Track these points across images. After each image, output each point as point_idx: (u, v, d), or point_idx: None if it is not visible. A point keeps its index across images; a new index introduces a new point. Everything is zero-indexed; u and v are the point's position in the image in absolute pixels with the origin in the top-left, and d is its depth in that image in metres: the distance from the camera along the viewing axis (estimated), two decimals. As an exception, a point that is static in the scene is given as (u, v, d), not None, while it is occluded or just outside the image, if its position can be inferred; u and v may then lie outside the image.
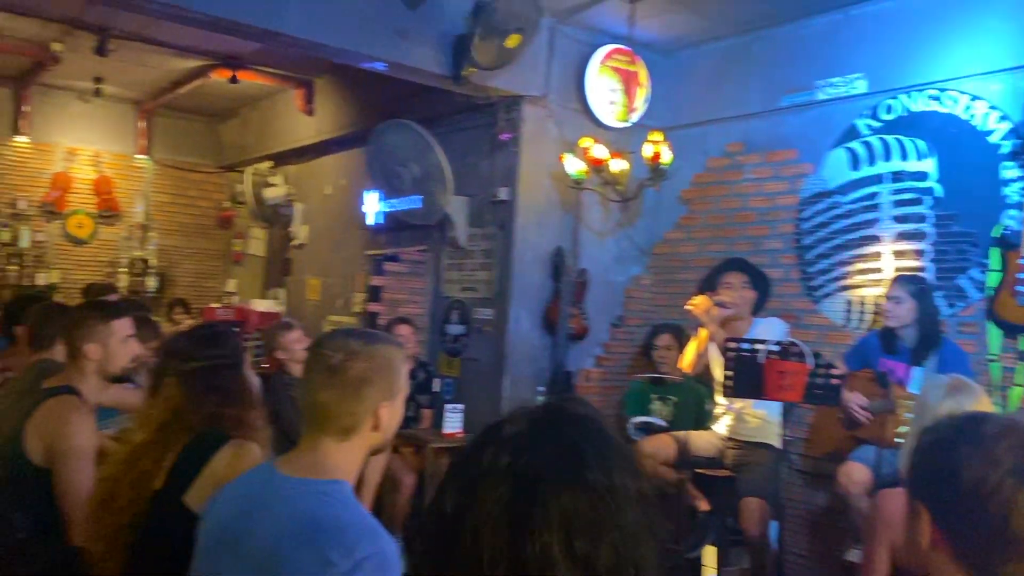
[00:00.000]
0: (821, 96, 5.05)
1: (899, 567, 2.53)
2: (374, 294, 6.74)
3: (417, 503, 5.25)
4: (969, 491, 1.16)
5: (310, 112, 7.56)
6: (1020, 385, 4.07)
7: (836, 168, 4.96)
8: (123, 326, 2.81)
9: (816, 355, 3.66)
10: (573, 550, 0.79)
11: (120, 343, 2.79)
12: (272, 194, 8.16)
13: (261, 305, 7.81)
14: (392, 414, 1.68)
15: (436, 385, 5.72)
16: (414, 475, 5.15)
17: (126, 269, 8.77)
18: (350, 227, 7.10)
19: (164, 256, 9.09)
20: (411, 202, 6.02)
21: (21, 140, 8.29)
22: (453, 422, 5.21)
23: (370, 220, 6.63)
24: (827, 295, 4.95)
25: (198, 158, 9.39)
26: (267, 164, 8.45)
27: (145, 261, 8.88)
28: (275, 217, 8.30)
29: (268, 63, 7.21)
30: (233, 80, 7.17)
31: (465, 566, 0.81)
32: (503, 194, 5.51)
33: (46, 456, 2.54)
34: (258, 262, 8.86)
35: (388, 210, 6.38)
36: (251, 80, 7.39)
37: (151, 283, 8.84)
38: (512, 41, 4.88)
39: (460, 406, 5.24)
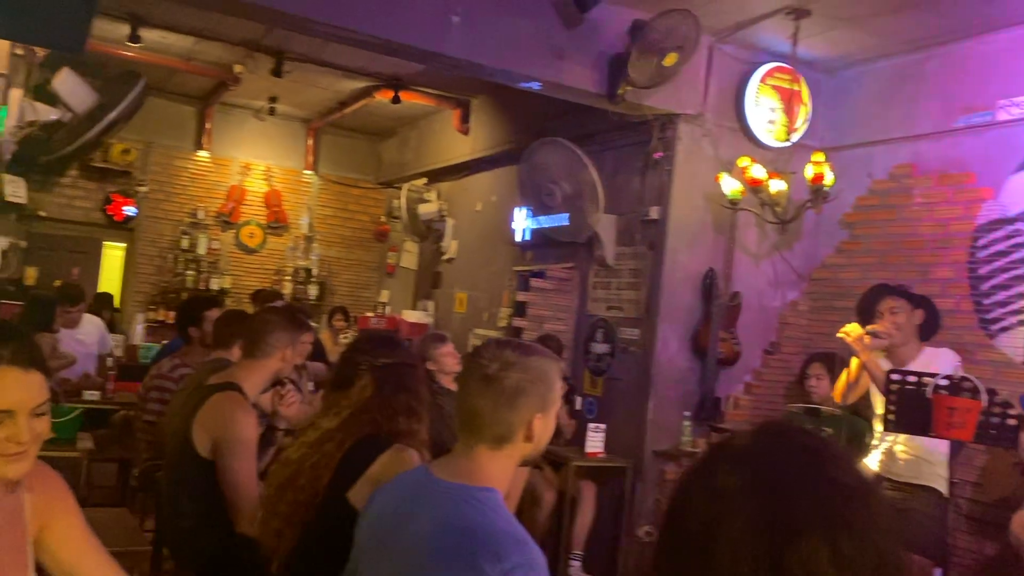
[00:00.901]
0: (1003, 116, 4.70)
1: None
2: (519, 309, 6.83)
3: (556, 521, 5.26)
4: None
5: (465, 131, 7.79)
6: None
7: (1019, 193, 4.59)
8: (306, 337, 3.10)
9: (991, 392, 3.40)
10: (840, 552, 0.78)
11: (298, 351, 3.06)
12: (425, 210, 8.45)
13: (411, 316, 8.08)
14: (545, 425, 1.70)
15: (578, 403, 5.72)
16: (554, 492, 5.15)
17: (290, 277, 9.34)
18: (498, 243, 7.24)
19: (325, 266, 9.61)
20: (559, 219, 6.07)
21: (203, 155, 9.02)
22: (595, 441, 5.19)
23: (518, 236, 6.74)
24: (1005, 329, 4.58)
25: (359, 174, 9.89)
26: (422, 181, 8.76)
27: (308, 270, 9.42)
28: (427, 232, 8.59)
29: (428, 84, 7.50)
30: (395, 100, 7.50)
31: None
32: (654, 213, 5.46)
33: (212, 448, 2.73)
34: (410, 274, 9.19)
35: (536, 227, 6.46)
36: (412, 100, 7.70)
37: (312, 291, 9.36)
38: (670, 60, 4.83)
39: (602, 426, 5.21)
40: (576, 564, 5.16)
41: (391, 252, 9.71)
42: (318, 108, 8.88)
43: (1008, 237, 4.62)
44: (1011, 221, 4.61)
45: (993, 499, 4.21)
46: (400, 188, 8.99)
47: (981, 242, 4.75)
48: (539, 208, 6.35)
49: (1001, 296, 4.61)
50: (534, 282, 6.75)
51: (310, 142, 9.51)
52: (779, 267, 5.69)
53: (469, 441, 1.68)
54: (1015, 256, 4.57)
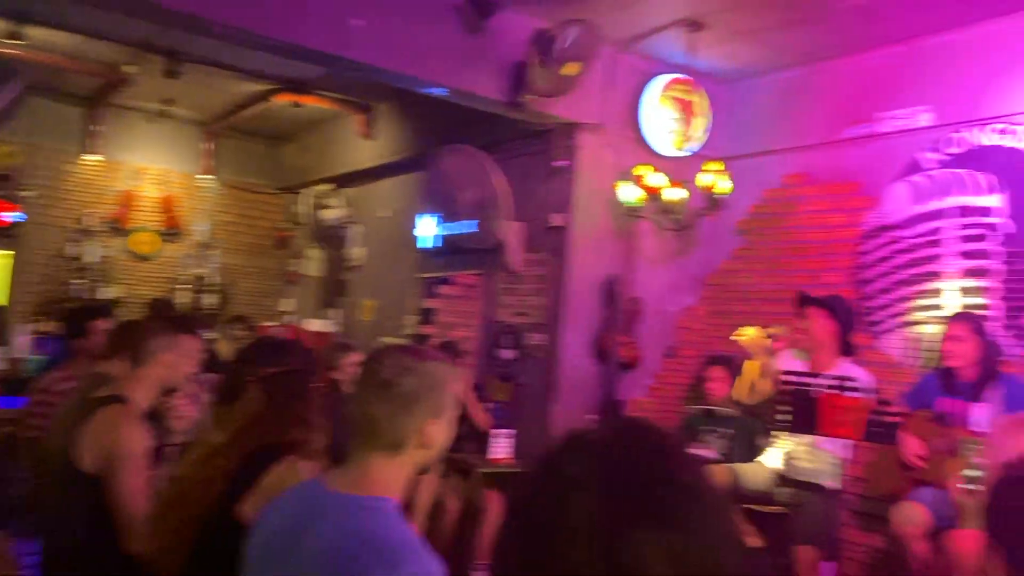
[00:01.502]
0: (883, 129, 4.96)
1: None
2: (426, 316, 6.79)
3: (461, 530, 5.23)
4: None
5: (370, 136, 7.71)
6: (1092, 430, 3.89)
7: (898, 202, 4.86)
8: (192, 343, 2.93)
9: (875, 392, 3.56)
10: (671, 548, 0.79)
11: (185, 358, 2.90)
12: (330, 216, 8.30)
13: (315, 325, 7.92)
14: (440, 432, 1.69)
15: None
16: (458, 501, 5.12)
17: (188, 286, 8.99)
18: (405, 250, 7.18)
19: (224, 274, 9.30)
20: (466, 226, 6.08)
21: (92, 158, 8.60)
22: (502, 447, 5.19)
23: (425, 243, 6.70)
24: (887, 331, 4.83)
25: (260, 179, 9.63)
26: (326, 186, 8.61)
27: (206, 278, 9.10)
28: (332, 239, 8.44)
29: (331, 88, 7.38)
30: (296, 104, 7.35)
31: (561, 571, 0.81)
32: (558, 220, 5.52)
33: (98, 464, 2.60)
34: (314, 282, 9.01)
35: (443, 234, 6.44)
36: (314, 104, 7.56)
37: (211, 300, 9.04)
38: (571, 69, 4.91)
39: (510, 431, 5.22)
40: (480, 575, 5.15)
41: (294, 259, 9.48)
42: (216, 111, 8.60)
43: (889, 243, 4.88)
44: (891, 228, 4.87)
45: (879, 494, 4.40)
46: (302, 193, 8.81)
47: (865, 248, 5.00)
48: (446, 215, 6.34)
49: (883, 300, 4.86)
50: (441, 289, 6.73)
51: (208, 146, 9.20)
52: (677, 273, 5.85)
53: (363, 449, 1.65)
54: (895, 262, 4.83)
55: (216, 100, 8.16)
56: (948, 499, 3.45)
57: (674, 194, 5.16)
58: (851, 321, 4.26)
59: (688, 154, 5.54)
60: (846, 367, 4.06)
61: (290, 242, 9.58)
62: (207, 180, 9.27)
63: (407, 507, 1.71)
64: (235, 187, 9.50)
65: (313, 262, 8.99)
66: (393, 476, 1.65)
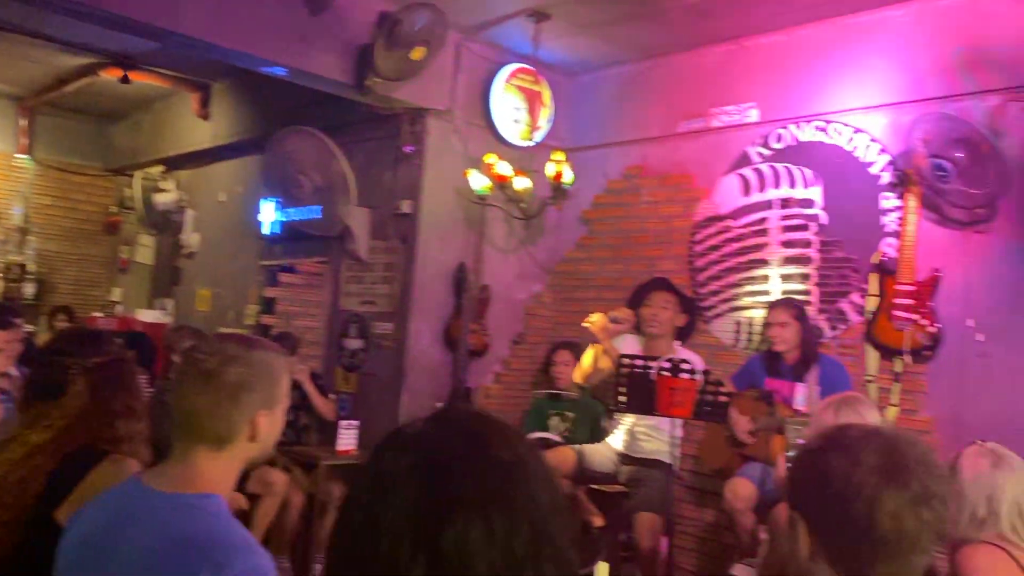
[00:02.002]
0: (716, 124, 5.22)
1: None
2: (268, 306, 6.54)
3: (306, 524, 5.11)
4: (836, 494, 1.19)
5: (206, 116, 7.32)
6: (895, 405, 4.28)
7: (728, 193, 5.13)
8: (6, 335, 2.72)
9: (706, 373, 3.75)
10: (492, 528, 0.78)
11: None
12: (163, 200, 7.84)
13: (147, 315, 7.48)
14: (271, 423, 1.61)
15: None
16: (302, 495, 4.99)
17: (1, 274, 8.24)
18: (245, 236, 6.89)
19: (44, 261, 8.59)
20: (310, 212, 5.89)
21: None
22: (347, 439, 5.09)
23: (266, 229, 6.45)
24: (718, 316, 5.10)
25: (84, 160, 8.94)
26: (158, 168, 8.12)
27: (22, 266, 8.37)
28: (165, 224, 7.98)
29: (163, 64, 6.95)
30: (124, 80, 6.86)
31: (385, 570, 0.78)
32: (406, 207, 5.46)
33: None
34: (146, 270, 8.49)
35: (285, 220, 6.22)
36: (144, 81, 7.09)
37: (28, 289, 8.33)
38: (417, 53, 4.85)
39: (355, 422, 5.13)
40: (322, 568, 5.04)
41: (124, 246, 8.90)
42: (33, 85, 7.90)
43: (719, 233, 5.14)
44: (722, 218, 5.14)
45: (710, 470, 4.65)
46: (133, 176, 8.27)
47: (698, 237, 5.25)
48: (288, 200, 6.12)
49: (714, 286, 5.12)
50: (283, 277, 6.50)
51: (23, 122, 8.44)
52: (525, 261, 5.93)
53: (187, 443, 1.55)
54: (725, 250, 5.10)
55: (36, 73, 7.49)
56: (774, 474, 3.69)
57: (521, 183, 5.22)
58: (693, 308, 4.47)
59: (534, 144, 5.62)
60: (681, 351, 4.26)
61: (120, 227, 8.98)
62: (23, 160, 8.52)
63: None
64: (56, 168, 8.79)
65: (145, 249, 8.47)
66: (220, 471, 1.57)
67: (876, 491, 1.16)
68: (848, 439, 1.24)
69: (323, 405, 5.39)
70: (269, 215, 6.40)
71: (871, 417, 2.51)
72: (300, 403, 5.38)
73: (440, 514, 0.78)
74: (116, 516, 1.53)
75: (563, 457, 4.28)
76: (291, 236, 6.27)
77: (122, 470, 2.02)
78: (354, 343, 5.74)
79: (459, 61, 5.46)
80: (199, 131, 7.45)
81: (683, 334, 4.48)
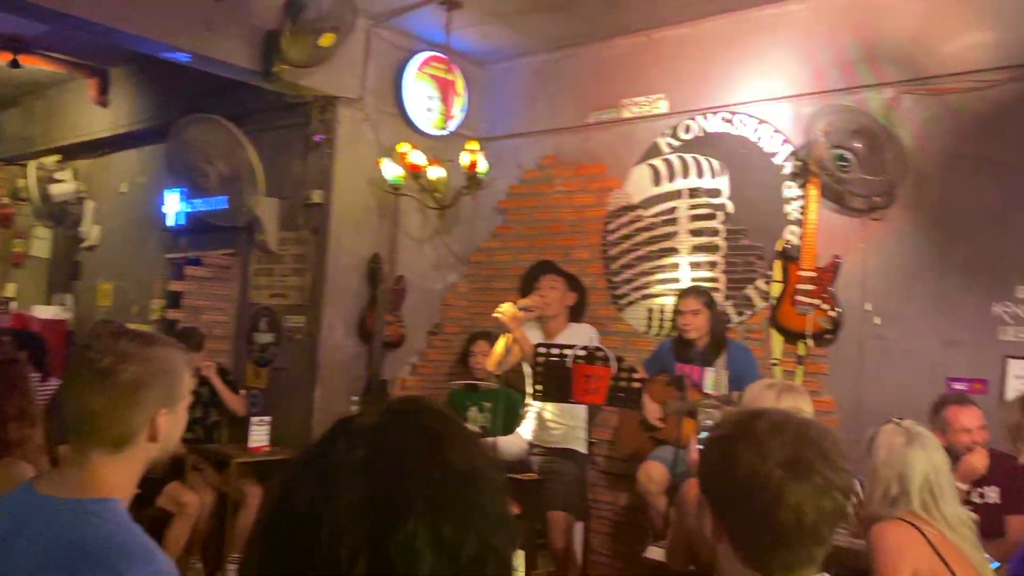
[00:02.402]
0: (626, 114, 5.29)
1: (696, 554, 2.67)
2: (174, 300, 6.32)
3: (218, 523, 4.98)
4: (741, 483, 1.22)
5: (104, 103, 7.00)
6: (798, 387, 4.43)
7: (640, 183, 5.21)
8: None
9: (619, 360, 3.81)
10: (440, 537, 0.74)
11: None
12: (59, 190, 7.47)
13: (44, 312, 7.13)
14: (173, 422, 1.55)
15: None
16: (212, 493, 4.86)
17: None
18: (148, 228, 6.64)
19: (-74, 256, 8.10)
20: (216, 202, 5.71)
21: None
22: (259, 435, 4.97)
23: (170, 221, 6.23)
24: (630, 303, 5.18)
25: (-29, 148, 8.44)
26: (54, 158, 7.73)
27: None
28: (62, 216, 7.61)
29: (57, 48, 6.61)
30: (14, 64, 6.49)
31: (322, 566, 0.74)
32: (317, 197, 5.35)
33: None
34: (42, 264, 8.09)
35: (191, 211, 6.01)
36: (36, 65, 6.72)
37: (-91, 286, 7.84)
38: (326, 40, 4.75)
39: (267, 418, 5.01)
40: (235, 567, 4.92)
41: (17, 239, 8.44)
42: (-88, 67, 7.41)
43: (631, 223, 5.23)
44: (633, 208, 5.22)
45: (624, 454, 4.74)
46: (26, 166, 7.85)
47: (611, 227, 5.32)
48: (193, 190, 5.91)
49: (627, 274, 5.21)
50: (189, 270, 6.28)
51: (-98, 108, 7.93)
52: (441, 251, 5.90)
53: (83, 447, 1.48)
54: (637, 239, 5.19)
55: (-89, 55, 7.02)
56: (685, 457, 3.78)
57: (435, 173, 5.18)
58: (580, 286, 4.53)
59: (448, 133, 5.58)
60: (577, 331, 4.31)
61: (13, 220, 8.51)
62: (-99, 148, 8.00)
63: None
64: (-61, 156, 8.27)
65: (41, 242, 8.06)
66: (119, 475, 1.50)
67: (780, 484, 1.19)
68: (757, 430, 1.26)
69: (233, 401, 5.25)
70: (173, 206, 6.18)
71: (806, 409, 2.57)
72: (210, 400, 5.23)
73: (389, 516, 0.75)
74: (7, 524, 1.45)
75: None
76: (197, 228, 6.07)
77: (14, 475, 1.93)
78: (264, 337, 5.61)
79: (369, 48, 5.38)
80: (97, 119, 7.11)
81: (575, 313, 4.53)
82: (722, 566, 1.30)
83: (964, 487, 3.28)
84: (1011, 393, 3.83)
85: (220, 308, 6.01)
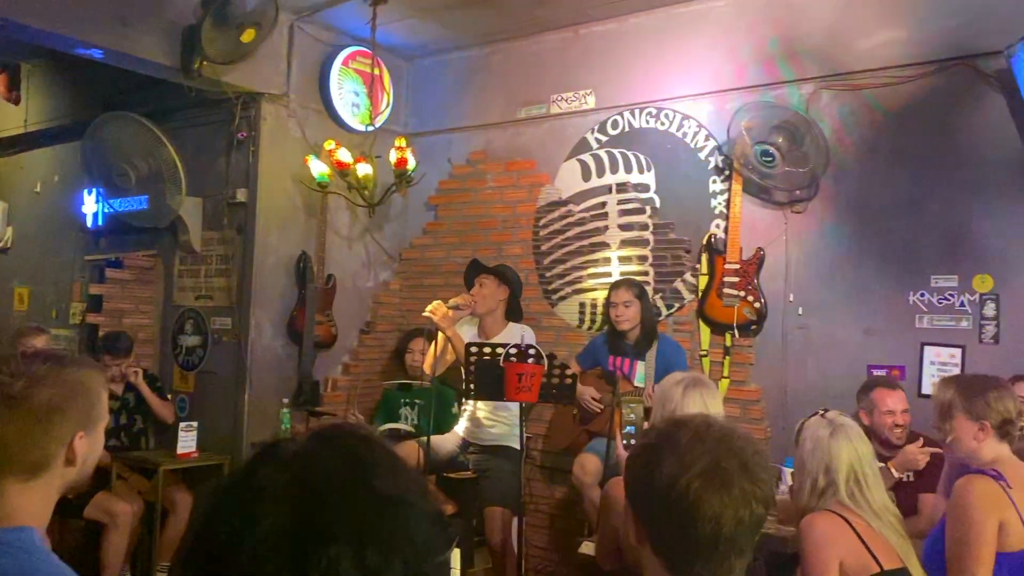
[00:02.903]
0: (555, 110, 5.31)
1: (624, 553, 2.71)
2: (95, 304, 6.11)
3: (147, 531, 4.85)
4: (662, 493, 1.24)
5: (15, 100, 6.70)
6: (727, 378, 4.54)
7: (570, 178, 5.24)
8: None
9: (551, 356, 3.83)
10: (364, 562, 0.74)
11: None
12: (-32, 191, 7.13)
13: (-45, 318, 6.80)
14: (90, 444, 1.50)
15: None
16: (140, 502, 4.73)
17: None
18: (65, 229, 6.40)
19: None
20: (137, 202, 5.53)
21: None
22: (187, 441, 4.85)
23: (89, 222, 6.02)
24: (563, 298, 5.22)
25: None
26: (-38, 156, 7.38)
27: None
28: (-28, 217, 7.27)
29: (-40, 41, 6.30)
30: (-86, 58, 6.19)
31: None
32: (241, 195, 5.23)
33: None
34: (-49, 268, 7.71)
35: (110, 211, 5.81)
36: (-61, 60, 6.41)
37: None
38: (247, 35, 4.64)
39: (194, 424, 4.90)
40: (165, 576, 4.82)
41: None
42: None
43: (562, 218, 5.26)
44: (564, 203, 5.25)
45: (559, 448, 4.78)
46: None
47: (542, 222, 5.35)
48: (112, 190, 5.70)
49: (558, 269, 5.24)
50: (110, 272, 6.07)
51: None
52: (371, 248, 5.84)
53: (-5, 475, 1.42)
54: (568, 234, 5.22)
55: None
56: (616, 449, 3.83)
57: (362, 170, 5.11)
58: (519, 287, 4.53)
59: (375, 129, 5.51)
60: (515, 331, 4.32)
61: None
62: None
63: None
64: None
65: (-51, 245, 7.68)
66: (34, 503, 1.43)
67: (698, 494, 1.21)
68: (680, 440, 1.27)
69: (161, 407, 5.12)
70: (92, 206, 5.97)
71: (713, 403, 2.63)
72: (135, 406, 5.08)
73: (312, 541, 0.74)
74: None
75: (409, 450, 4.26)
76: (117, 228, 5.87)
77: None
78: (190, 340, 5.47)
79: (293, 43, 5.27)
80: (8, 116, 6.81)
81: (512, 312, 4.52)
82: (646, 571, 1.32)
83: (898, 475, 3.42)
84: (927, 378, 4.00)
85: (143, 311, 5.83)
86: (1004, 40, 3.73)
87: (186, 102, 5.32)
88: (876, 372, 4.11)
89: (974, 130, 4.01)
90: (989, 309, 3.93)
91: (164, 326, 5.69)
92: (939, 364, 4.01)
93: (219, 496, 0.81)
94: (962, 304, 3.99)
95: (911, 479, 3.55)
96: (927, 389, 3.96)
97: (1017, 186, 3.88)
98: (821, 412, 2.43)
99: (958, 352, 3.97)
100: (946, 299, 4.02)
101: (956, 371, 3.93)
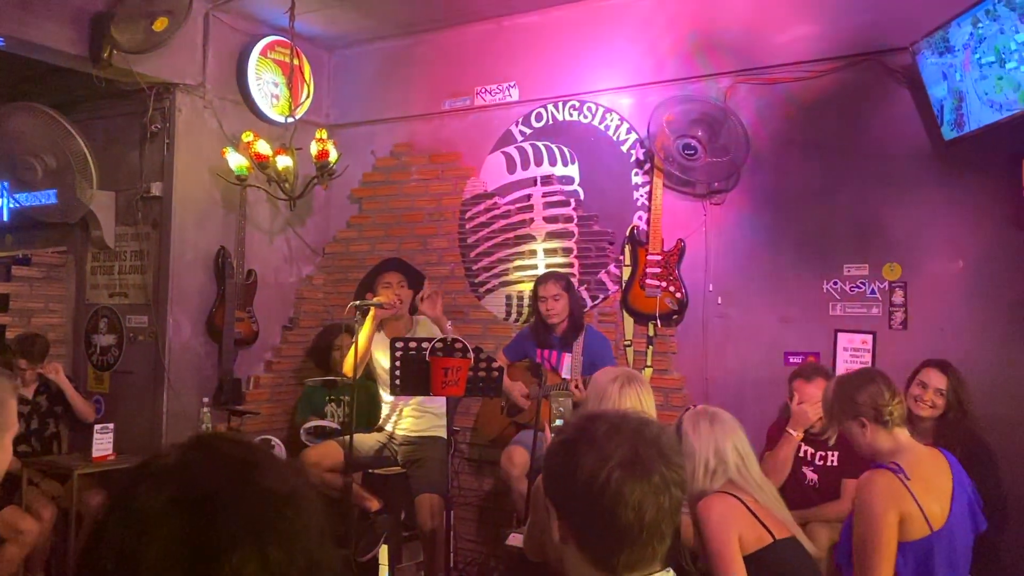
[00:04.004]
0: (479, 102, 5.30)
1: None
2: (1, 303, 5.84)
3: (61, 539, 4.67)
4: (584, 486, 1.25)
5: (-92, 89, 6.34)
6: (650, 367, 4.61)
7: (495, 171, 5.24)
8: None
9: (477, 349, 3.83)
10: (268, 561, 0.74)
11: None
12: None
13: None
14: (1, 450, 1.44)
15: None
16: (53, 508, 4.55)
17: None
18: (-33, 226, 6.09)
19: None
20: (44, 197, 5.29)
21: None
22: (103, 444, 4.68)
23: (-7, 218, 5.75)
24: (489, 291, 5.22)
25: None
26: None
27: None
28: None
29: None
30: None
31: None
32: (156, 189, 5.07)
33: None
34: None
35: (15, 206, 5.55)
36: None
37: None
38: (160, 24, 4.48)
39: (110, 426, 4.73)
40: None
41: None
42: None
43: (488, 210, 5.25)
44: (490, 196, 5.25)
45: (487, 440, 4.78)
46: None
47: (468, 215, 5.33)
48: (16, 184, 5.45)
49: (485, 262, 5.24)
50: (17, 270, 5.80)
51: None
52: (293, 242, 5.73)
53: None
54: (494, 227, 5.22)
55: None
56: (543, 442, 3.85)
57: (282, 162, 5.00)
58: (421, 282, 4.48)
59: (295, 121, 5.40)
60: (425, 324, 4.29)
61: None
62: None
63: None
64: None
65: None
66: None
67: (619, 484, 1.23)
68: (597, 433, 1.29)
69: (83, 405, 4.92)
70: (-4, 201, 5.70)
71: (648, 400, 2.69)
72: (48, 410, 4.89)
73: (213, 550, 0.73)
74: None
75: (330, 449, 4.20)
76: (24, 224, 5.62)
77: None
78: (105, 339, 5.28)
79: (209, 33, 5.12)
80: (-100, 105, 6.43)
81: (415, 307, 4.48)
82: (569, 568, 1.32)
83: (795, 432, 3.65)
84: (841, 364, 4.14)
85: (53, 310, 5.60)
86: (910, 37, 3.87)
87: (96, 92, 5.11)
88: (792, 359, 4.23)
89: (882, 123, 4.15)
90: (898, 296, 4.08)
91: (77, 325, 5.47)
92: (852, 350, 4.15)
93: (100, 526, 0.78)
94: (873, 292, 4.13)
95: (835, 464, 3.68)
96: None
97: (922, 178, 4.03)
98: (693, 405, 2.60)
99: (869, 338, 4.12)
100: (858, 287, 4.16)
101: (868, 356, 4.08)
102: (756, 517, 2.30)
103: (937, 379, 3.48)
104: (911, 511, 2.27)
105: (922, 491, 2.30)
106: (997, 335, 3.81)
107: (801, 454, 3.75)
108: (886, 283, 4.10)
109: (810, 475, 3.73)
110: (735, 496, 2.35)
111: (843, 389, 2.50)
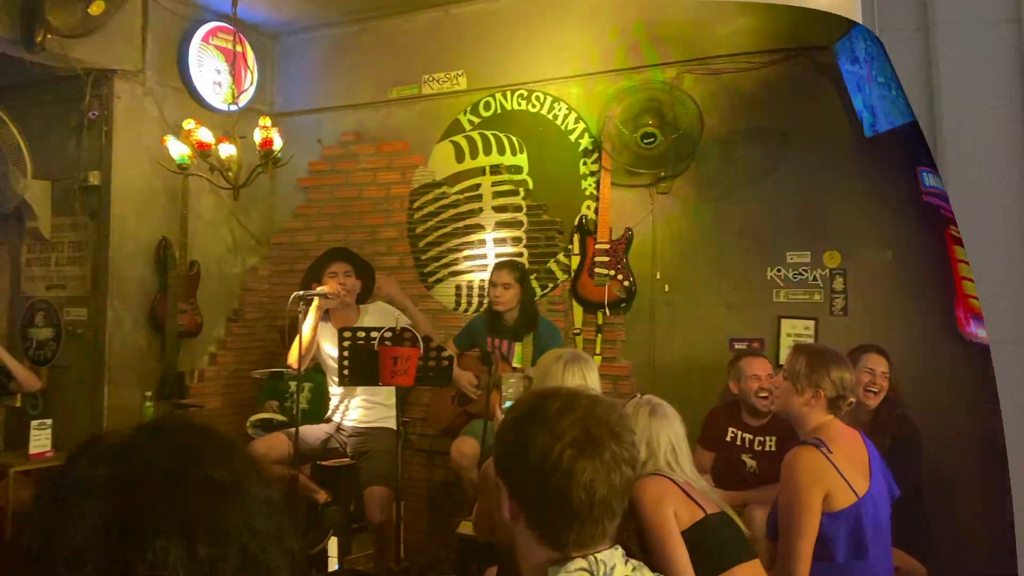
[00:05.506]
0: (427, 91, 5.26)
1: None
2: (-70, 297, 5.63)
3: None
4: (536, 464, 1.26)
5: None
6: (599, 355, 4.65)
7: (443, 160, 5.21)
8: None
9: (427, 338, 3.81)
10: (195, 555, 0.70)
11: None
12: None
13: None
14: None
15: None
16: (-11, 506, 4.41)
17: None
18: None
19: None
20: (-26, 187, 5.11)
21: None
22: (40, 440, 4.55)
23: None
24: (439, 281, 5.20)
25: None
26: None
27: None
28: None
29: None
30: None
31: None
32: (94, 178, 4.93)
33: None
34: None
35: (-56, 196, 5.35)
36: None
37: None
38: (96, 7, 4.36)
39: (48, 422, 4.59)
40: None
41: None
42: None
43: (436, 200, 5.23)
44: (438, 185, 5.22)
45: (437, 430, 4.77)
46: None
47: (416, 204, 5.30)
48: (-54, 173, 5.26)
49: (434, 252, 5.22)
50: (-52, 262, 5.61)
51: None
52: (238, 233, 5.63)
53: None
54: (443, 217, 5.20)
55: None
56: (494, 431, 3.86)
57: (226, 151, 4.90)
58: (368, 271, 4.43)
59: (239, 109, 5.29)
60: (376, 311, 4.26)
61: None
62: None
63: None
64: None
65: None
66: None
67: (571, 462, 1.24)
68: (549, 411, 1.30)
69: (27, 375, 4.62)
70: (-78, 191, 5.47)
71: (592, 377, 2.71)
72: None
73: (135, 538, 0.70)
74: None
75: (278, 441, 4.14)
76: (-46, 215, 5.42)
77: None
78: (42, 333, 5.13)
79: (148, 17, 4.99)
80: None
81: (362, 297, 4.43)
82: (519, 546, 1.33)
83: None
84: (784, 350, 4.22)
85: (-13, 303, 5.42)
86: (834, 35, 3.95)
87: (30, 78, 4.95)
88: (737, 345, 4.31)
89: (817, 115, 4.25)
90: (838, 283, 4.18)
91: (12, 318, 5.31)
92: (795, 336, 4.25)
93: (35, 499, 0.76)
94: (814, 279, 4.23)
95: (773, 449, 3.75)
96: (784, 360, 4.19)
97: (854, 170, 4.13)
98: (638, 395, 2.62)
99: (811, 324, 4.22)
100: (800, 274, 4.25)
101: (810, 342, 4.17)
102: (688, 495, 2.35)
103: (880, 363, 3.58)
104: (836, 483, 2.36)
105: (845, 462, 2.40)
106: (927, 323, 3.92)
107: (739, 442, 3.82)
108: (827, 270, 4.20)
109: (749, 462, 3.80)
110: (669, 478, 2.40)
111: (823, 358, 2.55)
